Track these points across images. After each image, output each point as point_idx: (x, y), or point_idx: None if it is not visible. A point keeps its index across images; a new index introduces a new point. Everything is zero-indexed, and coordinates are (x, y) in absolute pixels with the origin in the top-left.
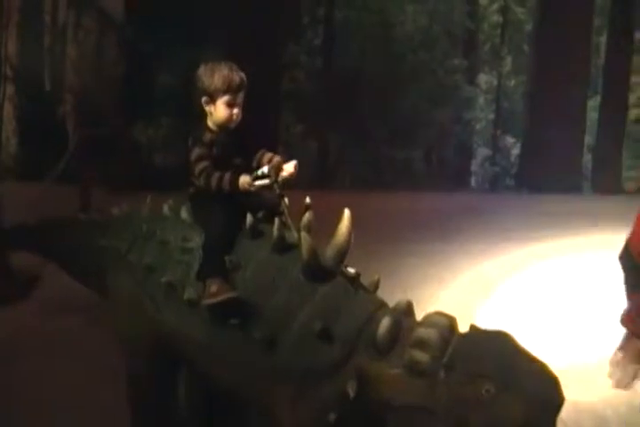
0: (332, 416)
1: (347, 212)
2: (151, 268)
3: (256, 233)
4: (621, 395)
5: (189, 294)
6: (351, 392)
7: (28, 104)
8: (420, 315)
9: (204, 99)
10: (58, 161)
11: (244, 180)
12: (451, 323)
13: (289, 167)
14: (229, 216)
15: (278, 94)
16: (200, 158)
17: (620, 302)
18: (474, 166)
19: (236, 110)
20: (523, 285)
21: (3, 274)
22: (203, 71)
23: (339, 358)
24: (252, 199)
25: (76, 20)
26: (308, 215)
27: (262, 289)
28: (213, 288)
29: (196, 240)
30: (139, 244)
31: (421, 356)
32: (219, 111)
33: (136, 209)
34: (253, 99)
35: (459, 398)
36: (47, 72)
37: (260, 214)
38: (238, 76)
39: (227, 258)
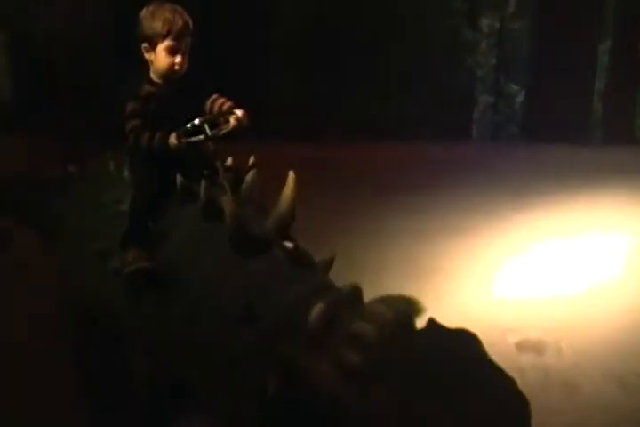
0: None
1: (291, 174)
2: (85, 233)
3: (187, 197)
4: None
5: (113, 263)
6: (271, 387)
7: None
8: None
9: (143, 45)
10: None
11: (173, 135)
12: (402, 315)
13: (235, 116)
14: (160, 176)
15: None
16: (132, 115)
17: None
18: (475, 114)
19: (178, 58)
20: (517, 240)
21: None
22: (143, 14)
23: (258, 344)
24: (192, 156)
25: None
26: (250, 175)
27: (186, 260)
28: (129, 257)
29: None
30: (80, 207)
31: (352, 355)
32: (159, 59)
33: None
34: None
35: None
36: None
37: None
38: (182, 18)
39: (150, 224)
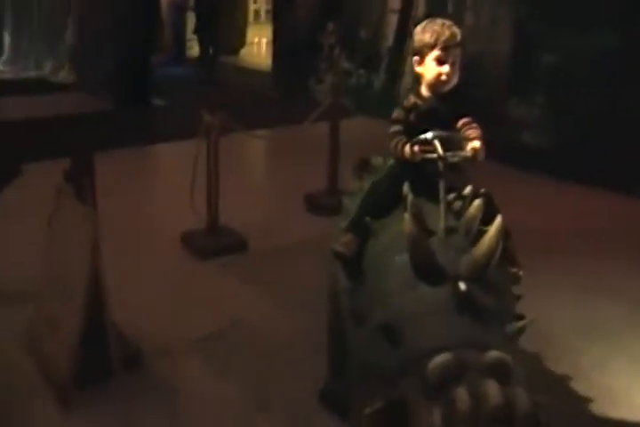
0: None
1: (498, 219)
2: None
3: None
4: None
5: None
6: (368, 408)
7: None
8: None
9: (414, 59)
10: None
11: (408, 145)
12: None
13: (473, 146)
14: (398, 182)
15: None
16: (394, 121)
17: None
18: None
19: (446, 68)
20: None
21: None
22: (416, 29)
23: (396, 367)
24: (428, 171)
25: None
26: (474, 207)
27: (375, 264)
28: (343, 239)
29: None
30: None
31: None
32: (427, 69)
33: None
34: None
35: None
36: None
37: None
38: (450, 30)
39: (367, 219)
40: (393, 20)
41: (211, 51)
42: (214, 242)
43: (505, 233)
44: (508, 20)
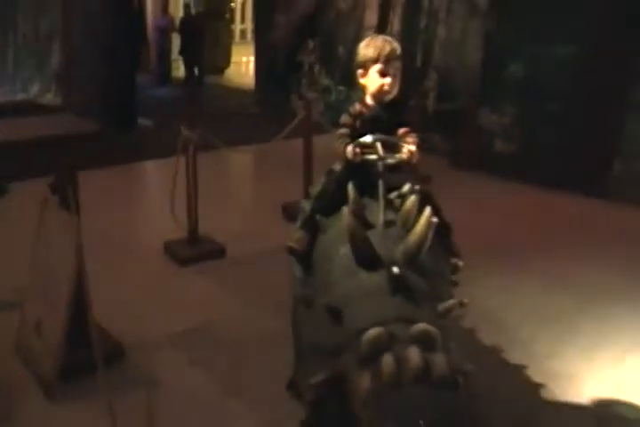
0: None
1: (427, 211)
2: None
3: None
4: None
5: None
6: (315, 378)
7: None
8: None
9: (359, 71)
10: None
11: (351, 146)
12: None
13: (408, 150)
14: (344, 182)
15: (627, 102)
16: (342, 125)
17: None
18: None
19: (387, 79)
20: None
21: None
22: (361, 45)
23: (341, 343)
24: (369, 172)
25: (448, 4)
26: (410, 202)
27: (327, 255)
28: (295, 236)
29: None
30: None
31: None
32: (371, 81)
33: None
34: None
35: None
36: (419, 50)
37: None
38: (390, 46)
39: (318, 217)
40: None
41: (196, 71)
42: (194, 250)
43: (446, 227)
44: (477, 33)
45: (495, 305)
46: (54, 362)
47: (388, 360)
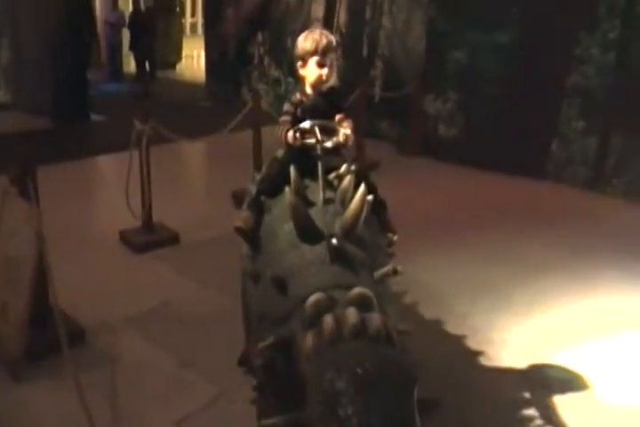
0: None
1: (362, 187)
2: None
3: (299, 188)
4: None
5: None
6: (265, 342)
7: (348, 66)
8: None
9: (299, 63)
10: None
11: (291, 132)
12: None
13: (344, 132)
14: (286, 165)
15: (563, 87)
16: (284, 113)
17: None
18: None
19: (325, 70)
20: None
21: None
22: (299, 39)
23: (289, 310)
24: (309, 155)
25: None
26: (347, 180)
27: (269, 233)
28: (242, 215)
29: None
30: None
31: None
32: (309, 71)
33: None
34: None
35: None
36: (365, 40)
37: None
38: (327, 39)
39: (262, 198)
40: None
41: (147, 66)
42: (148, 237)
43: (381, 204)
44: (420, 22)
45: (435, 279)
46: (19, 344)
47: (328, 320)
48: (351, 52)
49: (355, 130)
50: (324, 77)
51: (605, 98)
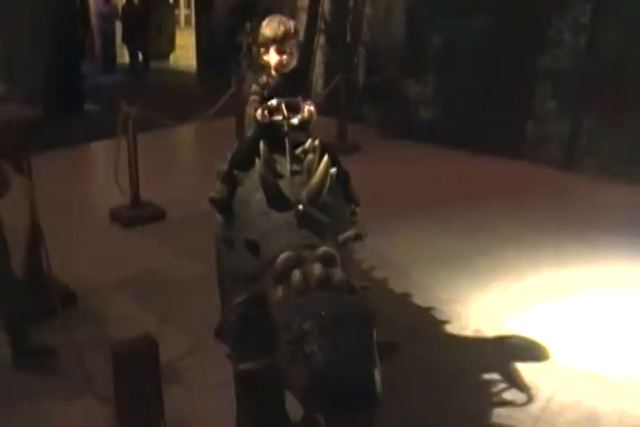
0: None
1: (325, 158)
2: None
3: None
4: None
5: None
6: (240, 297)
7: (332, 52)
8: None
9: (261, 50)
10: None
11: (259, 110)
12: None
13: (308, 109)
14: (256, 141)
15: (537, 70)
16: (253, 93)
17: None
18: None
19: (285, 56)
20: None
21: None
22: (262, 27)
23: (260, 270)
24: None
25: None
26: (311, 156)
27: (245, 200)
28: (216, 187)
29: None
30: None
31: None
32: (271, 58)
33: None
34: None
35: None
36: (348, 27)
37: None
38: (285, 26)
39: (235, 172)
40: (303, 18)
41: (140, 57)
42: (136, 213)
43: (344, 176)
44: (400, 10)
45: (402, 251)
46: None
47: (296, 274)
48: (335, 40)
49: (328, 112)
50: (284, 62)
51: (577, 80)
